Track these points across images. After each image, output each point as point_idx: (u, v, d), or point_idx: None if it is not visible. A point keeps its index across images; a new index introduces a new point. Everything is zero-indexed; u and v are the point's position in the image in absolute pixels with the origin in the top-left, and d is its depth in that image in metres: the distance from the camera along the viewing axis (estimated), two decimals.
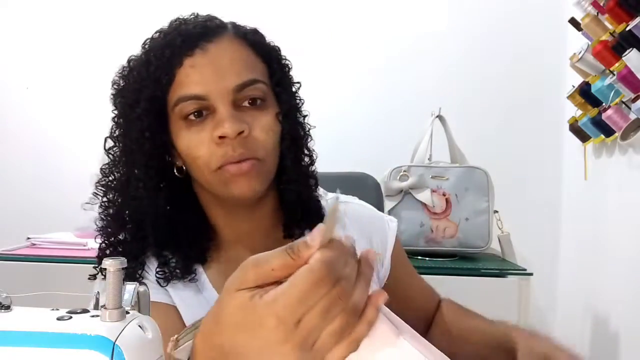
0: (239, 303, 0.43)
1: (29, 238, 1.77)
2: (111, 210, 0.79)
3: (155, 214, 0.76)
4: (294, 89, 0.82)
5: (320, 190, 0.89)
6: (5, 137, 2.28)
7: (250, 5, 1.98)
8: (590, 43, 1.63)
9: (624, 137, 1.51)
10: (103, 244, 0.80)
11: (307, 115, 0.83)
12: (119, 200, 0.78)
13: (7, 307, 0.44)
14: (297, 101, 0.82)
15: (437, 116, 1.80)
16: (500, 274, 1.56)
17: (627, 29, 1.42)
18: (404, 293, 0.87)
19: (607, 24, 1.57)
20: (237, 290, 0.44)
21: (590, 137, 1.76)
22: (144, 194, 0.74)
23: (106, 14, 2.24)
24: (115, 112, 0.79)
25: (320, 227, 0.43)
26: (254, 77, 0.74)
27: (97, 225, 0.80)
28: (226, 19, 0.80)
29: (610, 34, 1.51)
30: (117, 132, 0.78)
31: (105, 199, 0.79)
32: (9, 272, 1.58)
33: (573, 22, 1.72)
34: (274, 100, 0.77)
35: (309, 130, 0.83)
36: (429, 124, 1.79)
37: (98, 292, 0.48)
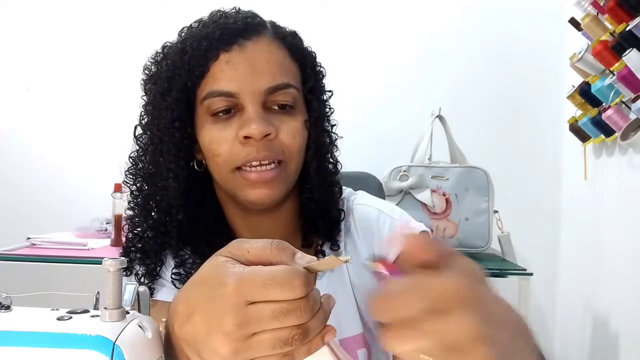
0: (211, 262, 0.44)
1: (29, 238, 1.77)
2: (139, 200, 0.78)
3: (180, 206, 0.75)
4: (325, 97, 0.80)
5: (347, 191, 0.87)
6: (5, 137, 2.28)
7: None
8: (590, 43, 1.63)
9: (624, 137, 1.51)
10: (129, 235, 0.79)
11: (335, 125, 0.82)
12: (147, 189, 0.77)
13: (7, 307, 0.44)
14: (327, 109, 0.80)
15: (437, 116, 1.80)
16: (500, 274, 1.56)
17: (627, 29, 1.42)
18: None
19: (607, 24, 1.57)
20: (216, 255, 0.45)
21: (590, 137, 1.76)
22: (171, 184, 0.73)
23: (106, 14, 2.24)
24: (146, 98, 0.76)
25: (315, 259, 0.44)
26: (287, 82, 0.72)
27: (125, 214, 0.80)
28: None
29: (610, 34, 1.51)
30: (146, 120, 0.76)
31: (134, 187, 0.78)
32: (9, 272, 1.59)
33: (573, 22, 1.72)
34: (304, 106, 0.76)
35: (335, 140, 0.81)
36: (429, 124, 1.79)
37: (98, 292, 0.48)
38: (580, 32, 1.70)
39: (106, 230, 1.96)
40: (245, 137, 0.69)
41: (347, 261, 0.44)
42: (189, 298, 0.44)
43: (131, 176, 0.78)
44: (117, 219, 1.80)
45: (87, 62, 2.24)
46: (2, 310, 0.44)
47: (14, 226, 2.05)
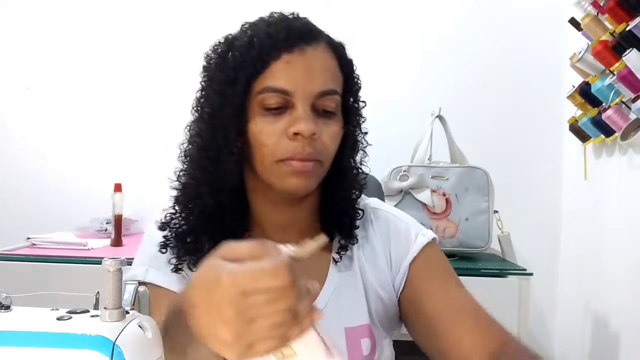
0: (209, 263, 0.50)
1: (29, 238, 1.77)
2: (189, 180, 0.82)
3: (233, 188, 0.80)
4: (360, 106, 0.88)
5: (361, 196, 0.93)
6: (5, 137, 2.28)
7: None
8: (590, 43, 1.63)
9: (624, 137, 1.51)
10: (169, 215, 0.83)
11: (366, 133, 0.88)
12: (200, 171, 0.80)
13: (7, 307, 0.44)
14: (360, 118, 0.88)
15: (437, 116, 1.80)
16: (500, 274, 1.56)
17: (627, 29, 1.42)
18: (430, 310, 0.81)
19: (607, 24, 1.57)
20: (208, 259, 0.51)
21: (590, 137, 1.76)
22: (232, 167, 0.78)
23: (106, 14, 2.24)
24: (206, 84, 0.81)
25: (297, 247, 0.51)
26: (335, 88, 0.79)
27: (175, 196, 0.83)
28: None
29: (610, 34, 1.51)
30: (207, 105, 0.80)
31: (183, 169, 0.83)
32: (9, 272, 1.58)
33: (573, 22, 1.72)
34: (341, 113, 0.82)
35: (365, 147, 0.89)
36: (429, 124, 1.79)
37: (98, 292, 0.48)
38: (580, 32, 1.70)
39: (106, 230, 1.95)
40: (295, 134, 0.75)
41: (324, 242, 0.53)
42: (192, 299, 0.50)
43: (185, 159, 0.83)
44: (117, 219, 1.80)
45: (87, 62, 2.25)
46: (2, 310, 0.44)
47: (14, 226, 2.05)
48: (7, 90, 2.29)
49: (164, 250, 0.81)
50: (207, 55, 0.82)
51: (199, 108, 0.82)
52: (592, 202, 1.81)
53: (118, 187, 1.82)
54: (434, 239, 0.88)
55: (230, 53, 0.79)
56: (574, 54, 1.72)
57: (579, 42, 1.72)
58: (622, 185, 1.60)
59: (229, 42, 0.81)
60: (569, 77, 1.85)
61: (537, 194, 2.10)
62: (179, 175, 0.83)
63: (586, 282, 1.83)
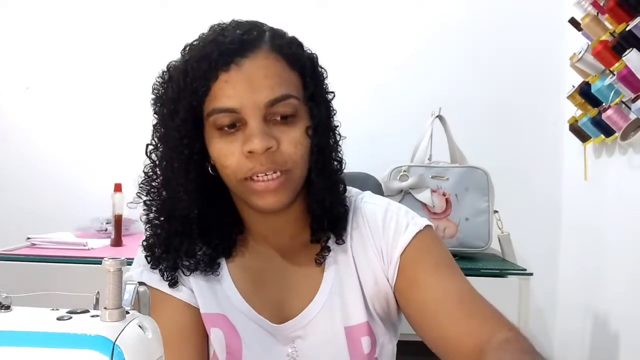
0: None
1: (29, 238, 1.77)
2: (154, 209, 0.83)
3: (193, 212, 0.79)
4: (329, 98, 0.83)
5: (353, 190, 0.91)
6: (5, 137, 2.28)
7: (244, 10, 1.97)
8: (590, 43, 1.63)
9: (624, 137, 1.51)
10: (149, 237, 0.83)
11: (338, 126, 0.84)
12: (161, 199, 0.82)
13: (7, 307, 0.44)
14: (329, 111, 0.83)
15: (437, 116, 1.80)
16: (500, 274, 1.55)
17: (627, 29, 1.42)
18: (422, 300, 0.80)
19: (607, 24, 1.57)
20: None
21: (590, 137, 1.76)
22: (183, 197, 0.78)
23: (106, 14, 2.24)
24: (156, 117, 0.81)
25: None
26: (287, 93, 0.75)
27: (143, 222, 0.84)
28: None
29: (610, 34, 1.51)
30: (157, 138, 0.82)
31: (148, 199, 0.83)
32: (9, 272, 1.58)
33: (573, 22, 1.72)
34: (306, 113, 0.78)
35: (339, 140, 0.84)
36: (429, 124, 1.79)
37: (98, 292, 0.48)
38: (580, 32, 1.70)
39: (106, 230, 1.96)
40: (249, 152, 0.73)
41: None
42: None
43: (145, 187, 0.83)
44: (117, 219, 1.80)
45: (87, 63, 2.24)
46: (2, 310, 0.44)
47: (14, 226, 2.05)
48: (7, 90, 2.29)
49: (154, 266, 0.82)
50: (153, 88, 0.81)
51: (152, 140, 0.82)
52: (592, 202, 1.81)
53: (118, 187, 1.82)
54: (427, 226, 0.85)
55: (169, 84, 0.78)
56: (574, 54, 1.72)
57: (579, 42, 1.72)
58: (622, 185, 1.60)
59: (169, 73, 0.79)
60: (569, 77, 1.85)
61: (537, 194, 2.10)
62: (145, 207, 0.83)
63: (586, 282, 1.83)
